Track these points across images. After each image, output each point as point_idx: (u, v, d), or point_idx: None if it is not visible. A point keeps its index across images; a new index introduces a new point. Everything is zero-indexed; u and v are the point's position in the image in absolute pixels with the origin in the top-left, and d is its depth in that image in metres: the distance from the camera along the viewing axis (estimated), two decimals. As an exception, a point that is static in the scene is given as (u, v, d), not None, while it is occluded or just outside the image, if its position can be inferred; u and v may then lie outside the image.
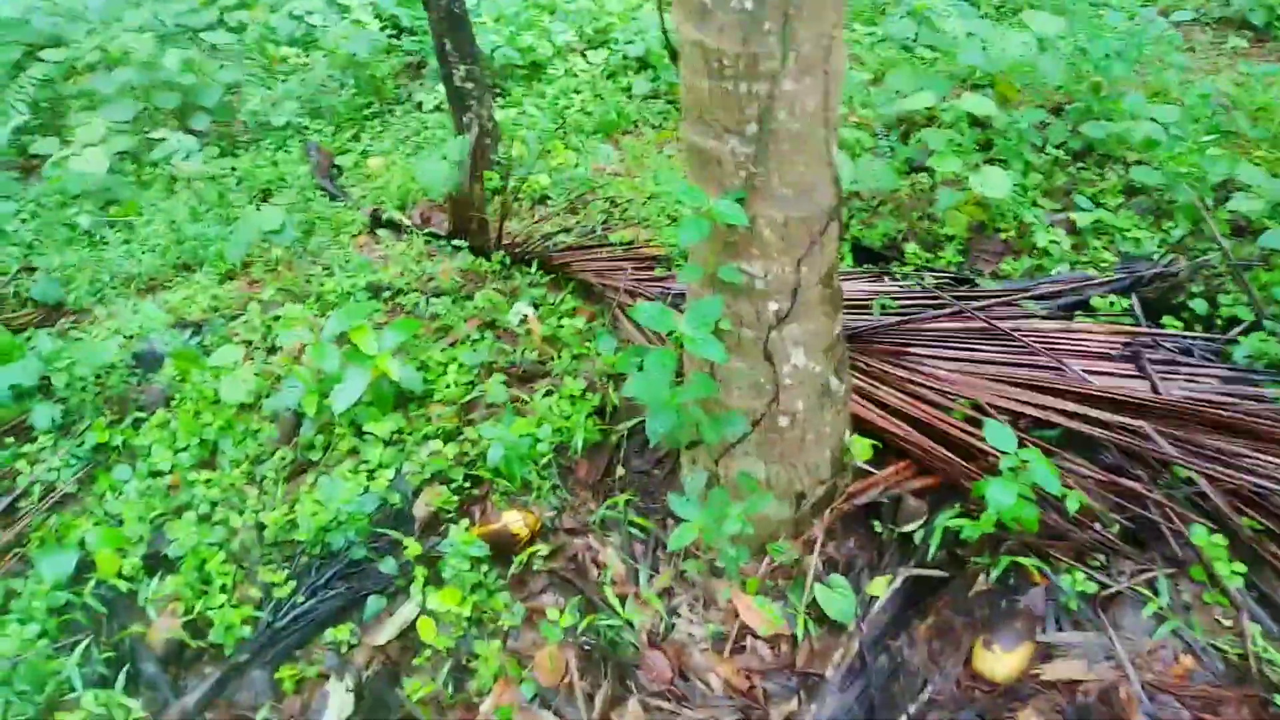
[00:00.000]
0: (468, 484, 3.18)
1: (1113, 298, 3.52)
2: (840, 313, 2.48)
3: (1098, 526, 2.60)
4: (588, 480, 3.18)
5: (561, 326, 3.75)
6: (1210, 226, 3.60)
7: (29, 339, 3.94)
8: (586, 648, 2.63)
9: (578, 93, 5.86)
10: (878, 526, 2.77)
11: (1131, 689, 2.30)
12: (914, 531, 2.69)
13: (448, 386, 3.50)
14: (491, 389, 3.43)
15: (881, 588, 2.53)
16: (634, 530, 2.95)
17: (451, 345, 3.74)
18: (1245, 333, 3.26)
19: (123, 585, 2.96)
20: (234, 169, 5.52)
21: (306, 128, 6.03)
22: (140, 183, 5.56)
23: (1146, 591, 2.50)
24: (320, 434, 3.38)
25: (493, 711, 2.50)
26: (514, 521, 2.94)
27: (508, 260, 4.26)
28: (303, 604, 2.89)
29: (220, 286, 4.44)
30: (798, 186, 2.11)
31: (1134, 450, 2.76)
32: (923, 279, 3.77)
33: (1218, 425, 2.77)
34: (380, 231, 4.79)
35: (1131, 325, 3.41)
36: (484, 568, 2.84)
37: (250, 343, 3.94)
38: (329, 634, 2.81)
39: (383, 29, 6.74)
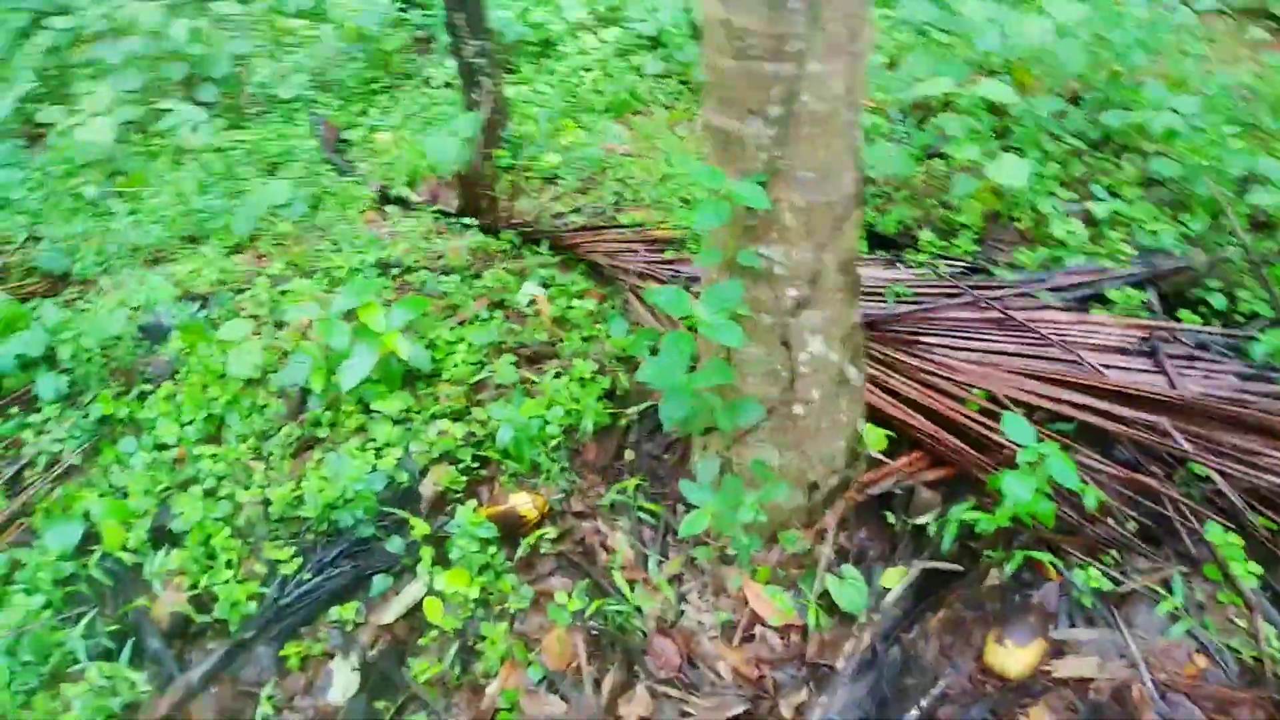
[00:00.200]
0: (475, 464, 3.16)
1: (1129, 290, 3.49)
2: (858, 300, 2.45)
3: (1111, 522, 2.58)
4: (596, 463, 3.16)
5: (571, 308, 3.71)
6: (1230, 220, 3.55)
7: (35, 309, 3.91)
8: (594, 632, 2.61)
9: (588, 71, 5.79)
10: (890, 517, 2.74)
11: (1144, 688, 2.28)
12: (927, 523, 2.66)
13: (456, 366, 3.47)
14: (501, 369, 3.40)
15: (895, 579, 2.51)
16: (643, 515, 2.93)
17: (460, 324, 3.70)
18: (1264, 329, 3.23)
19: (127, 558, 2.95)
20: (241, 141, 5.46)
21: (314, 101, 5.97)
22: (147, 153, 5.51)
23: (1160, 589, 2.47)
24: (327, 410, 3.36)
25: (499, 694, 2.49)
26: (522, 503, 2.92)
27: (517, 239, 4.22)
28: (308, 581, 2.87)
29: (227, 259, 4.39)
30: (821, 170, 2.07)
31: (1149, 445, 2.74)
32: (936, 267, 3.73)
33: (1235, 422, 2.74)
34: (388, 208, 4.75)
35: (1148, 319, 3.38)
36: (491, 549, 2.82)
37: (257, 317, 3.90)
38: (334, 612, 2.79)
39: (393, 2, 6.67)
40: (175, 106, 5.27)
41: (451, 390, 3.39)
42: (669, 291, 2.21)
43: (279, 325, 3.82)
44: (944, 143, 4.27)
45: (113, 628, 2.80)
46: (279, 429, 3.36)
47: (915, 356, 3.07)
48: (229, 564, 2.91)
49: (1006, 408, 2.77)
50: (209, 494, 3.14)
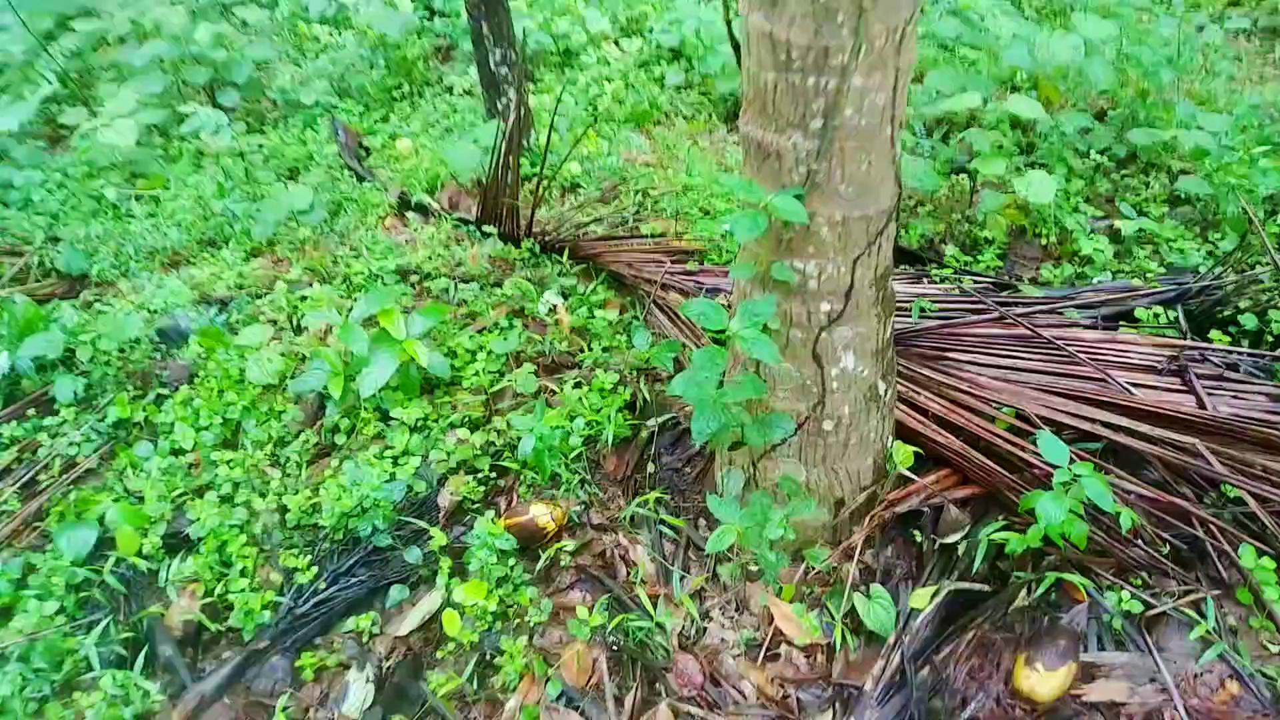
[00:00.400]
0: (494, 474, 3.13)
1: (1157, 309, 3.44)
2: (892, 316, 2.41)
3: (1142, 544, 2.53)
4: (616, 475, 3.13)
5: (592, 318, 3.68)
6: (1261, 239, 3.50)
7: (53, 310, 3.89)
8: (615, 648, 2.57)
9: (610, 81, 5.77)
10: (917, 536, 2.70)
11: (1176, 714, 2.23)
12: (955, 542, 2.61)
13: (475, 374, 3.45)
14: (521, 379, 3.37)
15: (925, 600, 2.46)
16: (664, 529, 2.89)
17: (480, 332, 3.68)
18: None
19: (142, 564, 2.92)
20: (262, 146, 5.46)
21: (335, 107, 5.97)
22: (168, 157, 5.51)
23: (1192, 613, 2.43)
24: (345, 418, 3.33)
25: (518, 709, 2.44)
26: (541, 515, 2.88)
27: (537, 248, 4.19)
28: (324, 590, 2.84)
29: (246, 264, 4.38)
30: (860, 185, 2.03)
31: (1180, 466, 2.69)
32: (961, 282, 3.69)
33: (1267, 444, 2.68)
34: (408, 214, 4.73)
35: (1176, 338, 3.33)
36: (510, 561, 2.79)
37: (275, 322, 3.88)
38: (350, 622, 2.77)
39: (415, 10, 6.67)
40: (197, 110, 5.27)
41: (470, 399, 3.36)
42: (703, 304, 2.17)
43: (297, 331, 3.80)
44: (969, 158, 4.23)
45: (126, 635, 2.78)
46: (296, 435, 3.33)
47: (941, 372, 3.03)
48: (244, 572, 2.88)
49: (1036, 426, 2.72)
50: (225, 500, 3.12)
